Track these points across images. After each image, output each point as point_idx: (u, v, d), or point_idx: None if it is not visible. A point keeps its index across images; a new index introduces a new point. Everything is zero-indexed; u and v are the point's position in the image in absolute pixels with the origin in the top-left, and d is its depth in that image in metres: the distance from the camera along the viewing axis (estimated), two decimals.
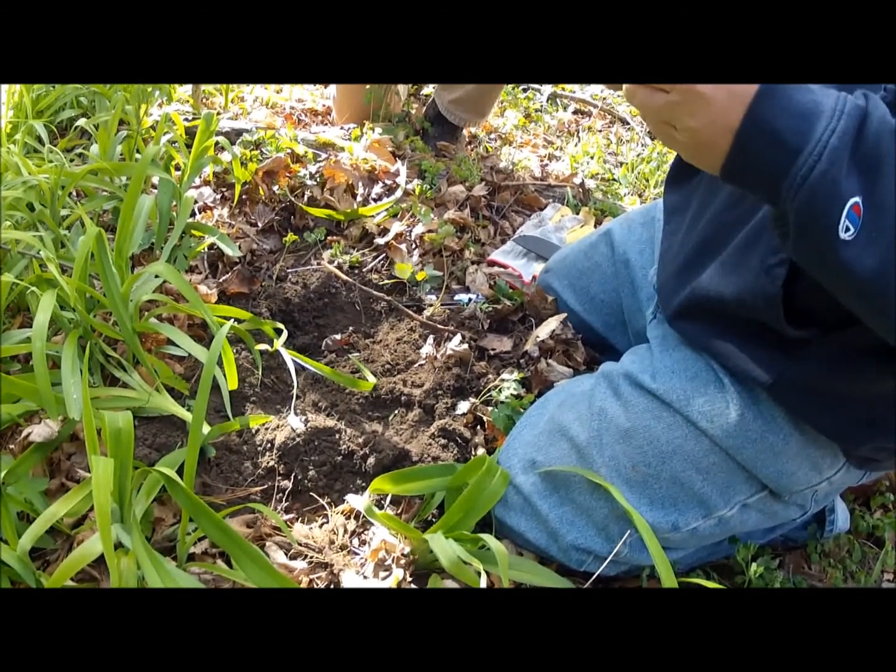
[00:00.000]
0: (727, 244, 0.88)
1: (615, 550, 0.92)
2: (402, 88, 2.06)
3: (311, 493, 1.00)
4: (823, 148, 0.59)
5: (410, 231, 1.56)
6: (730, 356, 0.89)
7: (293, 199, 1.56)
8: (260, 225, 1.51)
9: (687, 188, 1.02)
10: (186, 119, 1.73)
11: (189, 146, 1.48)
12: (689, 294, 0.92)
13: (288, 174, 1.59)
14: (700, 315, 0.93)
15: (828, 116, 0.60)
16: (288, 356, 1.13)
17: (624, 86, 0.66)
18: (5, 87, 1.55)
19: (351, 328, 1.30)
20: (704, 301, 0.90)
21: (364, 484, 1.01)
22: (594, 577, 0.91)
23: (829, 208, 0.61)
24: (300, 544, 0.93)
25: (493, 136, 2.33)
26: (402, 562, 0.91)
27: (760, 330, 0.84)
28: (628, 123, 2.70)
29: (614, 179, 2.22)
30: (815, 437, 0.89)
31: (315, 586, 0.88)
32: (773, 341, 0.84)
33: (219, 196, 1.58)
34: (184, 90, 1.99)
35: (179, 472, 0.88)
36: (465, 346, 1.21)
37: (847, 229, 0.61)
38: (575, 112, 2.75)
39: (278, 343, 1.16)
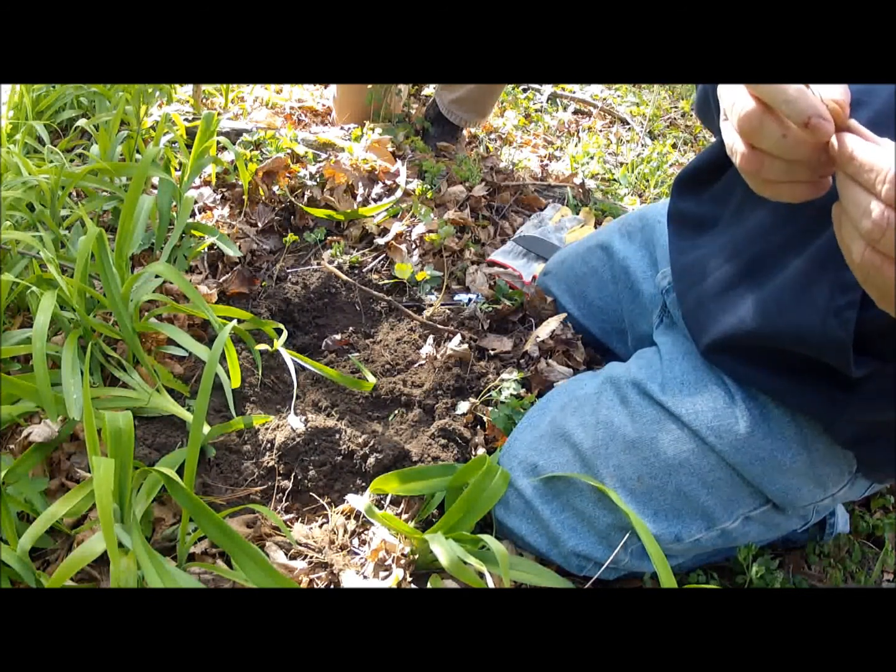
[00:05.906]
0: (778, 270, 0.80)
1: (612, 556, 0.91)
2: (403, 88, 2.06)
3: (311, 493, 1.00)
4: None
5: (410, 231, 1.56)
6: (784, 396, 0.85)
7: (293, 199, 1.56)
8: (260, 225, 1.51)
9: (707, 196, 0.95)
10: (186, 119, 1.73)
11: (189, 146, 1.48)
12: (735, 326, 0.85)
13: (288, 174, 1.59)
14: (747, 350, 0.86)
15: None
16: (288, 356, 1.13)
17: (857, 255, 0.51)
18: (5, 87, 1.55)
19: (351, 328, 1.30)
20: (753, 336, 0.83)
21: (364, 484, 1.01)
22: (593, 579, 0.91)
23: None
24: (300, 544, 0.92)
25: (493, 136, 2.33)
26: (402, 562, 0.91)
27: (818, 368, 0.79)
28: (628, 123, 2.70)
29: (614, 179, 2.22)
30: (823, 455, 0.88)
31: (315, 586, 0.88)
32: (832, 380, 0.79)
33: (219, 196, 1.58)
34: (184, 90, 1.99)
35: (179, 472, 0.88)
36: (465, 346, 1.21)
37: None
38: (575, 112, 2.75)
39: (278, 343, 1.16)
